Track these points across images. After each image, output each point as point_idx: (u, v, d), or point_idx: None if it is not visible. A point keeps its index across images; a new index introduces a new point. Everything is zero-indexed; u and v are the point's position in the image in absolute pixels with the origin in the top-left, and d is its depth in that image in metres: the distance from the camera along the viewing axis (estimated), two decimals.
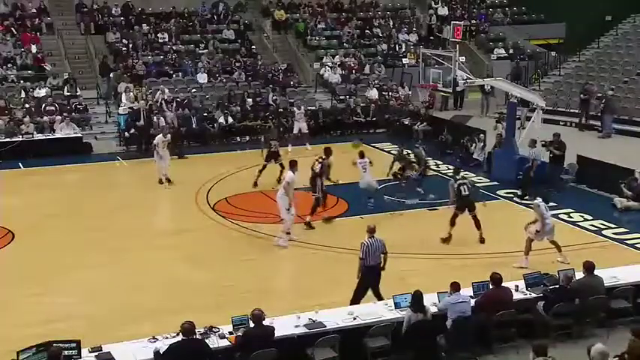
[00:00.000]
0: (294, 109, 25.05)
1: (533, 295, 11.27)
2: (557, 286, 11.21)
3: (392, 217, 17.00)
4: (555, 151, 18.99)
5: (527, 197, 17.73)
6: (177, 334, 9.36)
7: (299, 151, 23.41)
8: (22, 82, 26.33)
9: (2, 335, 10.94)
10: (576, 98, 26.54)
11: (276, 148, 19.68)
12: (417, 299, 10.22)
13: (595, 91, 25.88)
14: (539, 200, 14.04)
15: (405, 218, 17.18)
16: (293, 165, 15.45)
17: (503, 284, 10.93)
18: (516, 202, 18.30)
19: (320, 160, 16.84)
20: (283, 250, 14.73)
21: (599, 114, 25.17)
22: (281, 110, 26.27)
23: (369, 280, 11.63)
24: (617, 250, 14.94)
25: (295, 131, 24.38)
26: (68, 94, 26.03)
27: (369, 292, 11.67)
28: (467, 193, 15.33)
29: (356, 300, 11.51)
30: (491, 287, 10.93)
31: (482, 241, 15.21)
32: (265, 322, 9.81)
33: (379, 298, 11.52)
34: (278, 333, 9.83)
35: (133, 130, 23.89)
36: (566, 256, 13.87)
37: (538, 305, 11.15)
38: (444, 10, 34.02)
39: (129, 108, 24.73)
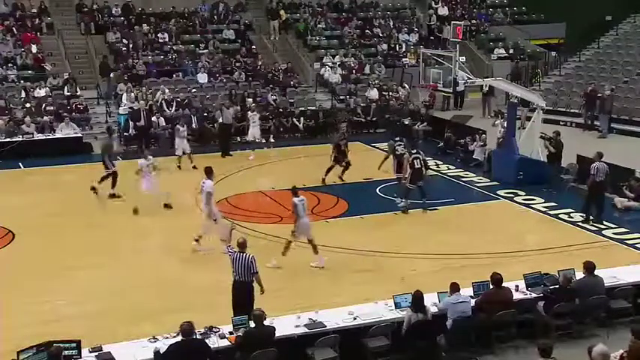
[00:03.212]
0: (249, 112, 23.55)
1: (533, 295, 11.27)
2: (557, 286, 11.21)
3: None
4: (551, 148, 18.94)
5: (602, 222, 16.30)
6: (177, 335, 9.37)
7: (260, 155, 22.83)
8: (22, 82, 26.31)
9: (2, 335, 10.92)
10: (576, 98, 26.52)
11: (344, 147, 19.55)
12: (417, 299, 10.24)
13: (596, 92, 25.84)
14: (297, 199, 13.69)
15: (405, 218, 17.17)
16: (210, 172, 14.75)
17: (503, 284, 10.93)
18: (516, 202, 18.28)
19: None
20: (282, 249, 14.55)
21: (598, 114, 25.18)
22: (281, 110, 26.27)
23: (237, 296, 10.89)
24: (617, 250, 14.92)
25: (250, 138, 23.10)
26: (68, 94, 26.03)
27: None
28: (419, 166, 17.14)
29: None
30: (491, 287, 10.93)
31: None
32: (265, 322, 9.82)
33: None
34: (278, 333, 9.84)
35: (131, 131, 23.88)
36: (324, 260, 13.68)
37: (538, 305, 11.15)
38: (444, 10, 33.95)
39: (129, 108, 24.73)
